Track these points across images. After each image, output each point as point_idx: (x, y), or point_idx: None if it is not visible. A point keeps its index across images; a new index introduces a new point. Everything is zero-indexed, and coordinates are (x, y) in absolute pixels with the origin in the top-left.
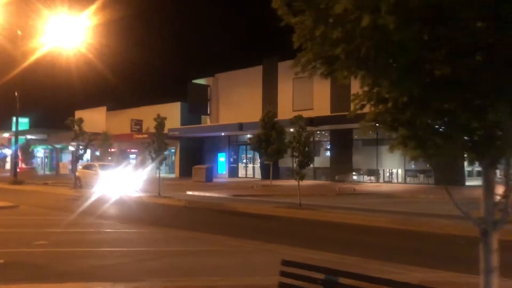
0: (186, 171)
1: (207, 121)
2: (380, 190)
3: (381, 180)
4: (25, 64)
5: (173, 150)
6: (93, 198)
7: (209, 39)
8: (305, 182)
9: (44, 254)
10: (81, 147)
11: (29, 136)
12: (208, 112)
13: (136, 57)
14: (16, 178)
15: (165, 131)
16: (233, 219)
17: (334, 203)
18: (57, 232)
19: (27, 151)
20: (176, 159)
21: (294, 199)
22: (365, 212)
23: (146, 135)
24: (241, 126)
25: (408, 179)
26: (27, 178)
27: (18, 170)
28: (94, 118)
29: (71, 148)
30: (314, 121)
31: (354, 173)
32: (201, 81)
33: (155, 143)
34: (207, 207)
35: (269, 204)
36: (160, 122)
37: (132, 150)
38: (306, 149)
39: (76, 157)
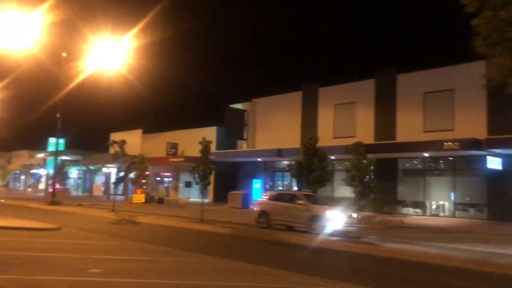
0: (220, 197)
1: (242, 146)
2: (430, 224)
3: (427, 213)
4: (69, 86)
5: None
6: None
7: (247, 64)
8: None
9: (104, 285)
10: (121, 169)
11: (63, 157)
12: (245, 137)
13: (173, 80)
14: (54, 199)
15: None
16: (289, 251)
17: (389, 237)
18: (108, 259)
19: (61, 172)
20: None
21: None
22: (430, 248)
23: (182, 159)
24: (279, 152)
25: (457, 212)
26: (62, 199)
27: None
28: (129, 141)
29: (105, 170)
30: None
31: (401, 205)
32: (238, 106)
33: (199, 167)
34: (255, 236)
35: (322, 235)
36: (206, 145)
37: (165, 174)
38: (367, 178)
39: (118, 180)
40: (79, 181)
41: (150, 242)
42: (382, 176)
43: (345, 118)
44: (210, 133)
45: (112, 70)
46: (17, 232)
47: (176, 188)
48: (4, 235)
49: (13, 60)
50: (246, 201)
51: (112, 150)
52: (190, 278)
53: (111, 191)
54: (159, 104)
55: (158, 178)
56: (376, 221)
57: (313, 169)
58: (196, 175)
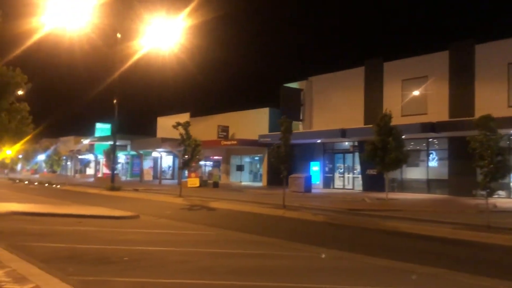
0: (274, 180)
1: (299, 127)
2: None
3: None
4: (122, 69)
5: (257, 158)
6: None
7: (301, 41)
8: (420, 196)
9: None
10: (187, 152)
11: (111, 142)
12: (301, 118)
13: (224, 60)
14: (113, 184)
15: (256, 137)
16: (415, 243)
17: (505, 223)
18: (222, 253)
19: (111, 157)
20: (263, 167)
21: (440, 217)
22: None
23: (235, 142)
24: (343, 133)
25: None
26: (117, 184)
27: (103, 176)
28: None
29: (154, 155)
30: (436, 127)
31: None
32: (293, 85)
33: (280, 148)
34: (356, 224)
35: (437, 224)
36: (287, 126)
37: (216, 157)
38: (500, 157)
39: (184, 163)
40: (127, 166)
41: (247, 231)
42: (458, 156)
43: (415, 94)
44: (262, 114)
45: (164, 50)
46: (99, 222)
47: (227, 172)
48: (89, 225)
49: (67, 44)
50: (308, 184)
51: (159, 134)
52: (340, 281)
53: (166, 176)
54: (209, 85)
55: (204, 162)
56: (467, 206)
57: (388, 150)
58: (277, 156)
